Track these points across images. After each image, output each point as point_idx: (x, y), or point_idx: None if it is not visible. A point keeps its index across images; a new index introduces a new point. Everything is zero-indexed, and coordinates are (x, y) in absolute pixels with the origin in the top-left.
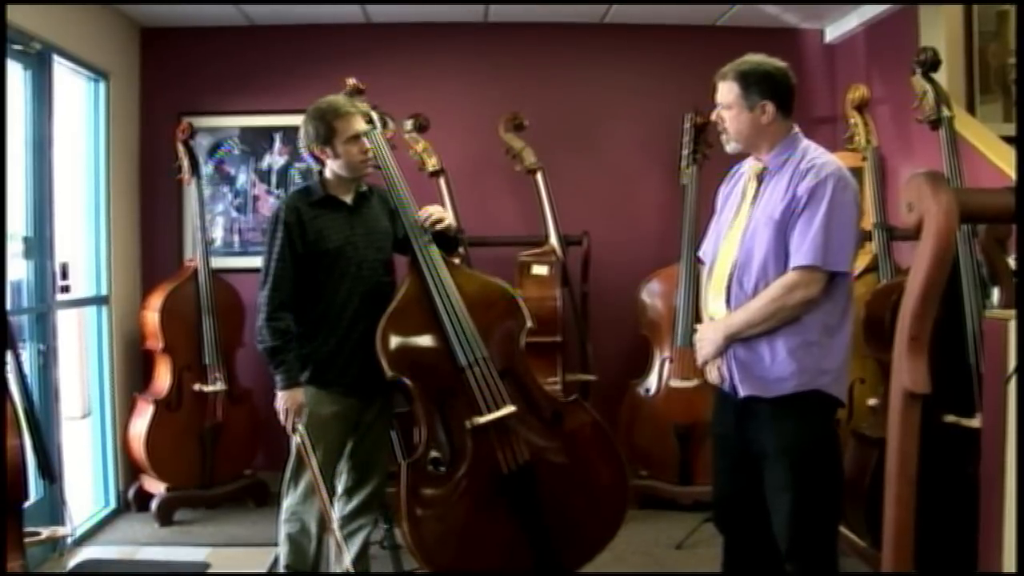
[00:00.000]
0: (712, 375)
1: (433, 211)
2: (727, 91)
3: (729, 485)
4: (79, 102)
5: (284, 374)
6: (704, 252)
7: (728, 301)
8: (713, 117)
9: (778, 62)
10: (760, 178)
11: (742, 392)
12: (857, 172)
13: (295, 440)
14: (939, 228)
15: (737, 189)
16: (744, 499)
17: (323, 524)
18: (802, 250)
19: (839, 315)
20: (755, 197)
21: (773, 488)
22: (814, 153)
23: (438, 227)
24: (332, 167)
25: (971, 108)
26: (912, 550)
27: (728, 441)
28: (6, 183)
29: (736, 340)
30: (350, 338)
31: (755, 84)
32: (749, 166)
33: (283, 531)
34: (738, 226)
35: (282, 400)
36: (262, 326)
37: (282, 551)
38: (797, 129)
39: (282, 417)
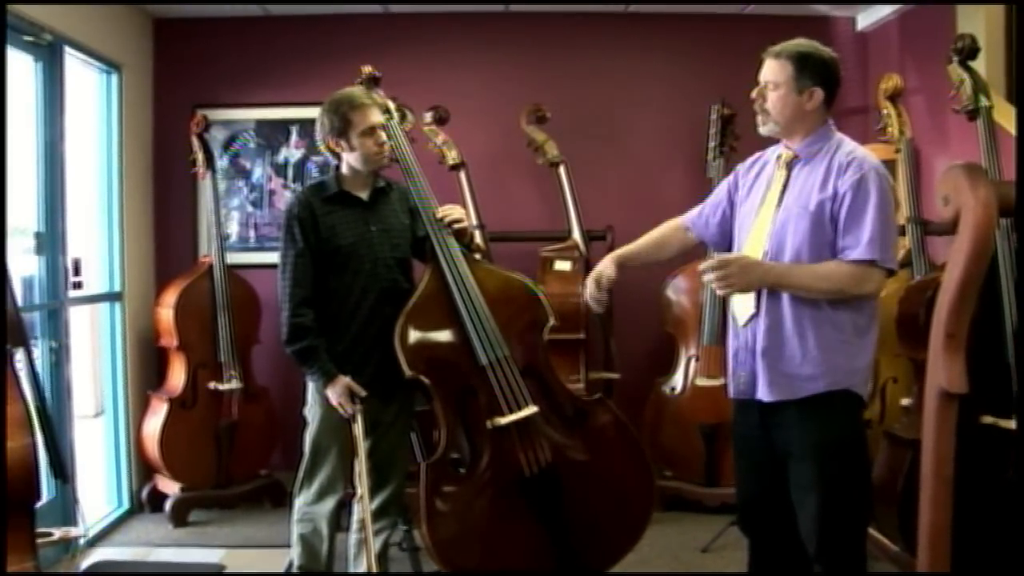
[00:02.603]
0: (716, 288)
1: (453, 211)
2: (779, 69)
3: (753, 486)
4: (91, 95)
5: (320, 372)
6: (690, 216)
7: (757, 296)
8: (753, 94)
9: (832, 51)
10: (790, 166)
11: (767, 398)
12: (890, 164)
13: (308, 435)
14: (977, 222)
15: (763, 176)
16: (769, 500)
17: (336, 524)
18: (861, 244)
19: (868, 315)
20: (784, 186)
21: (799, 488)
22: (849, 146)
23: (455, 226)
24: (348, 160)
25: (1011, 97)
26: (948, 555)
27: (751, 441)
28: (6, 176)
29: (774, 287)
30: (364, 337)
31: (811, 68)
32: (776, 153)
33: (295, 532)
34: (765, 216)
35: (332, 396)
36: (286, 325)
37: (294, 552)
38: (832, 122)
39: (341, 411)
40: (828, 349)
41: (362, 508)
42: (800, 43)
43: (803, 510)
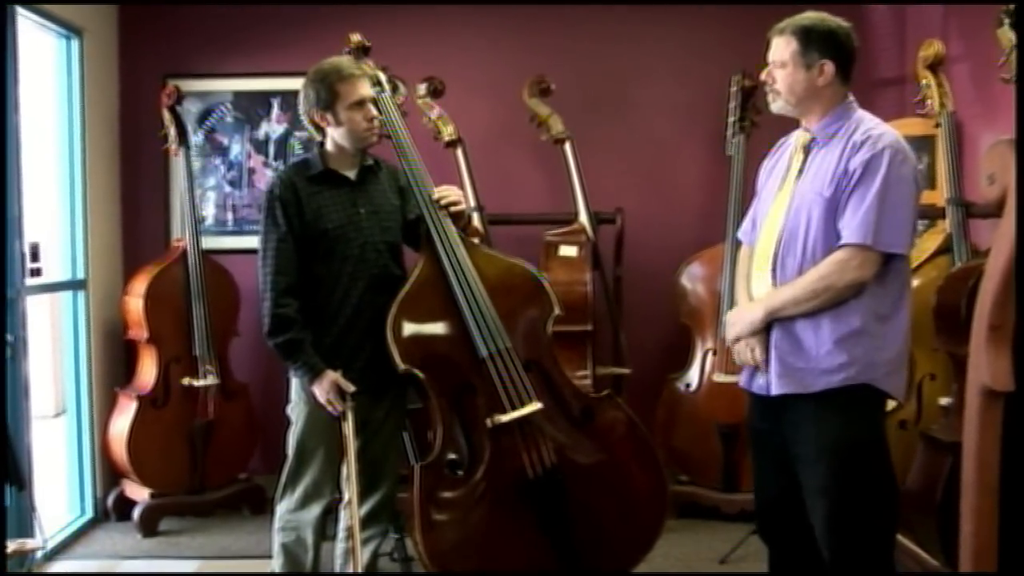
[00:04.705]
0: (745, 356)
1: (449, 192)
2: (784, 46)
3: (771, 489)
4: (49, 62)
5: (305, 367)
6: (744, 232)
7: (774, 284)
8: (763, 76)
9: (842, 21)
10: (807, 149)
11: (775, 390)
12: (929, 140)
13: (292, 435)
14: None
15: (782, 162)
16: (788, 505)
17: (321, 533)
18: (851, 226)
19: (892, 301)
20: (801, 170)
21: (811, 492)
22: (870, 123)
23: (451, 209)
24: (334, 136)
25: None
26: (994, 571)
27: (766, 437)
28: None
29: (777, 319)
30: (354, 329)
31: (816, 41)
32: (795, 137)
33: (276, 541)
34: (782, 201)
35: (318, 394)
36: (269, 317)
37: (276, 563)
38: (852, 98)
39: (330, 409)
40: (846, 340)
41: (350, 514)
42: (805, 16)
43: (816, 516)
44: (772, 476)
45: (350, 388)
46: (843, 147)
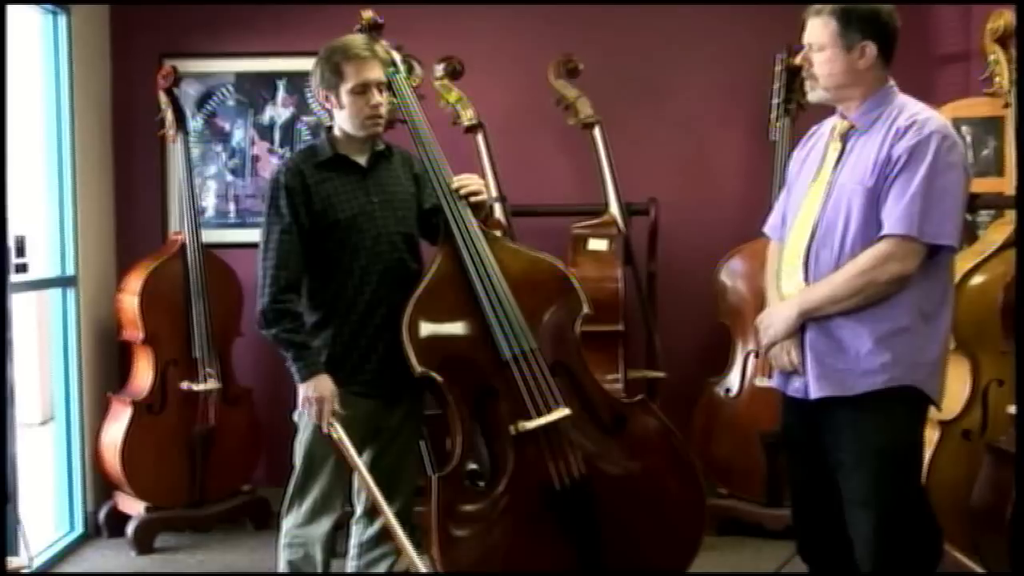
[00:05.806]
0: (781, 360)
1: (470, 181)
2: (821, 28)
3: (809, 499)
4: (34, 40)
5: (302, 363)
6: (773, 227)
7: (806, 279)
8: (798, 60)
9: None
10: (845, 138)
11: (814, 393)
12: (997, 122)
13: (299, 443)
14: None
15: (816, 151)
16: (827, 516)
17: (331, 549)
18: (894, 216)
19: (938, 298)
20: (839, 160)
21: (851, 503)
22: (914, 108)
23: (472, 199)
24: (338, 121)
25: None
26: None
27: (804, 443)
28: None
29: (812, 318)
30: (367, 327)
31: (857, 22)
32: (831, 125)
33: (282, 558)
34: (816, 192)
35: (305, 392)
36: (265, 311)
37: None
38: (892, 82)
39: (312, 414)
40: (888, 339)
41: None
42: None
43: (856, 529)
44: (810, 486)
45: (341, 412)
46: (885, 133)
